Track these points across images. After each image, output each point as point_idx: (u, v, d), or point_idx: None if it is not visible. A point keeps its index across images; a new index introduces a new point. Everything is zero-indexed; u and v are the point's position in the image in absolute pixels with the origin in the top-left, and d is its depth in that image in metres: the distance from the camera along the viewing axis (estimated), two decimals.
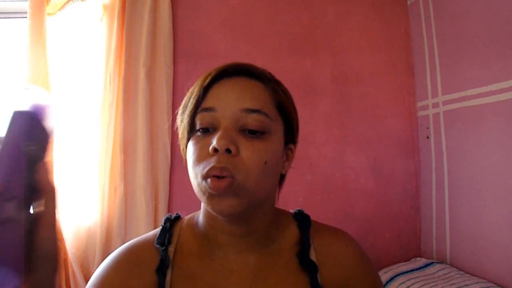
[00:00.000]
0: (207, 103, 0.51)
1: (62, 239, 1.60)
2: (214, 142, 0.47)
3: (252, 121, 0.50)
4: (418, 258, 1.78)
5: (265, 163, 0.49)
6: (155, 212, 1.67)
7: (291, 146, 0.58)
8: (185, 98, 0.56)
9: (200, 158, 0.49)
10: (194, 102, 0.52)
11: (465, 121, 1.62)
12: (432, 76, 1.84)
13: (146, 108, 1.67)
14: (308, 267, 0.55)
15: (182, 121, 0.55)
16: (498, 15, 1.44)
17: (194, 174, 0.50)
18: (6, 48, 1.85)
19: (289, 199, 1.82)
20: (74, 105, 1.66)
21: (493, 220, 1.47)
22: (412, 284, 1.47)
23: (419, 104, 1.96)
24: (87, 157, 1.64)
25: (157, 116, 1.71)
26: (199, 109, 0.51)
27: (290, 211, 0.64)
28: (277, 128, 0.53)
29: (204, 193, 0.49)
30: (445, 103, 1.75)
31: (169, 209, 1.73)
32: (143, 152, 1.66)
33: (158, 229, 0.59)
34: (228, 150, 0.47)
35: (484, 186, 1.52)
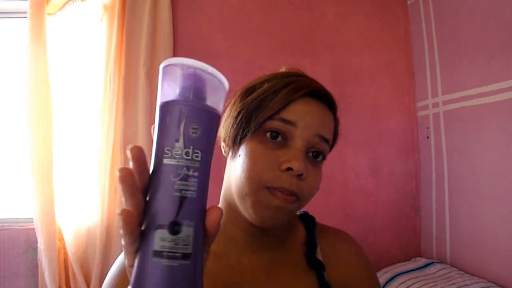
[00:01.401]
0: (289, 116, 0.50)
1: (62, 239, 1.60)
2: (292, 162, 0.48)
3: (322, 148, 0.52)
4: (418, 258, 1.78)
5: (318, 189, 0.53)
6: None
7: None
8: (258, 89, 0.53)
9: (267, 166, 0.49)
10: (275, 109, 0.50)
11: (465, 121, 1.62)
12: (432, 76, 1.84)
13: (146, 108, 1.67)
14: (316, 266, 0.56)
15: (249, 116, 0.51)
16: (498, 15, 1.44)
17: (254, 179, 0.49)
18: (6, 48, 1.85)
19: None
20: (74, 105, 1.66)
21: (493, 220, 1.47)
22: (412, 284, 1.47)
23: (419, 104, 1.96)
24: (87, 157, 1.64)
25: None
26: (277, 117, 0.50)
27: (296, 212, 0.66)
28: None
29: (258, 202, 0.49)
30: (445, 103, 1.75)
31: None
32: None
33: None
34: (300, 174, 0.48)
35: (484, 186, 1.52)
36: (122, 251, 0.58)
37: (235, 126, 0.53)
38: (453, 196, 1.71)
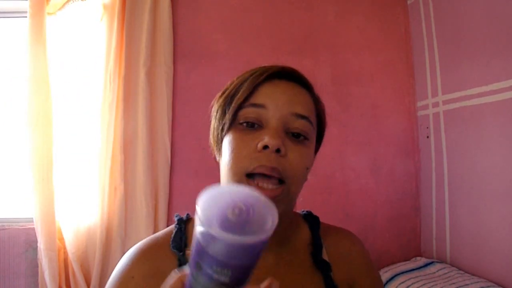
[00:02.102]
0: (257, 99, 0.51)
1: (62, 239, 1.60)
2: (265, 139, 0.47)
3: (299, 125, 0.51)
4: (418, 258, 1.78)
5: (307, 168, 0.52)
6: (155, 212, 1.67)
7: (317, 151, 0.61)
8: (228, 89, 0.54)
9: (244, 152, 0.48)
10: (244, 95, 0.51)
11: (465, 121, 1.62)
12: (432, 76, 1.84)
13: (146, 108, 1.67)
14: (322, 267, 0.56)
15: (223, 112, 0.53)
16: (498, 15, 1.44)
17: (235, 170, 0.48)
18: (6, 48, 1.84)
19: None
20: (74, 105, 1.66)
21: (493, 220, 1.47)
22: (412, 284, 1.47)
23: (419, 104, 1.96)
24: (87, 157, 1.64)
25: (157, 116, 1.71)
26: (247, 103, 0.51)
27: (299, 212, 0.65)
28: (314, 137, 0.56)
29: None
30: (445, 102, 1.75)
31: (169, 209, 1.72)
32: (143, 152, 1.66)
33: (168, 230, 0.58)
34: (278, 150, 0.47)
35: (484, 186, 1.52)
36: (122, 254, 0.58)
37: (215, 125, 0.55)
38: (453, 196, 1.71)
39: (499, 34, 1.43)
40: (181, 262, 0.53)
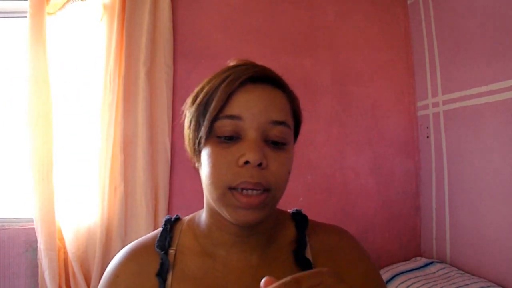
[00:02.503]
0: (232, 110, 0.49)
1: (62, 239, 1.60)
2: (246, 155, 0.47)
3: (278, 133, 0.50)
4: (418, 258, 1.78)
5: (288, 173, 0.52)
6: (155, 212, 1.67)
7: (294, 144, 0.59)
8: (200, 96, 0.52)
9: (225, 167, 0.48)
10: (218, 106, 0.49)
11: (465, 121, 1.62)
12: (432, 76, 1.84)
13: (146, 108, 1.67)
14: (303, 265, 0.55)
15: (197, 123, 0.52)
16: (498, 15, 1.44)
17: (217, 184, 0.48)
18: (6, 48, 1.84)
19: (289, 199, 1.81)
20: (74, 105, 1.66)
21: (493, 220, 1.47)
22: (412, 284, 1.47)
23: (419, 104, 1.96)
24: (87, 157, 1.64)
25: (157, 116, 1.71)
26: (222, 115, 0.49)
27: (289, 211, 0.65)
28: (292, 137, 0.54)
29: (228, 204, 0.49)
30: (445, 102, 1.75)
31: (169, 209, 1.73)
32: (143, 152, 1.66)
33: (158, 231, 0.59)
34: (259, 164, 0.47)
35: (484, 186, 1.52)
36: (119, 251, 0.59)
37: (191, 136, 0.53)
38: (453, 196, 1.71)
39: (499, 34, 1.43)
40: (163, 261, 0.54)
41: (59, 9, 1.65)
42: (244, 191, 0.47)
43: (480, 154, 1.54)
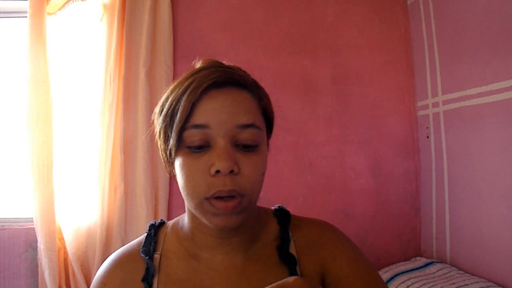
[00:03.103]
0: (198, 120, 0.48)
1: (62, 239, 1.60)
2: (216, 164, 0.46)
3: (247, 135, 0.49)
4: (418, 258, 1.78)
5: (263, 174, 0.51)
6: (155, 212, 1.67)
7: (269, 141, 0.59)
8: (166, 107, 0.51)
9: (198, 178, 0.48)
10: (183, 117, 0.48)
11: (465, 121, 1.62)
12: (432, 76, 1.84)
13: (146, 108, 1.67)
14: (287, 260, 0.55)
15: (165, 135, 0.52)
16: (497, 15, 1.44)
17: (193, 194, 0.49)
18: (6, 48, 1.84)
19: (289, 199, 1.82)
20: (74, 105, 1.66)
21: (493, 220, 1.47)
22: (412, 284, 1.47)
23: (419, 104, 1.96)
24: (87, 157, 1.64)
25: None
26: (188, 125, 0.48)
27: (272, 208, 0.65)
28: (264, 135, 0.54)
29: (205, 212, 0.49)
30: (445, 102, 1.75)
31: (169, 209, 1.73)
32: (143, 152, 1.66)
33: (143, 237, 0.60)
34: (231, 171, 0.47)
35: (484, 186, 1.52)
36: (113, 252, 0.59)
37: (162, 147, 0.54)
38: (453, 196, 1.71)
39: (499, 34, 1.43)
40: (148, 266, 0.55)
41: (59, 9, 1.65)
42: (221, 200, 0.47)
43: (480, 154, 1.54)
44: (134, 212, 1.66)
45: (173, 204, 1.74)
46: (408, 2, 2.03)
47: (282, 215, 0.62)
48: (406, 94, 1.99)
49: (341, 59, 1.95)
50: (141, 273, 0.54)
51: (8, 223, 1.67)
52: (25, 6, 1.58)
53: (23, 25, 1.63)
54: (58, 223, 1.61)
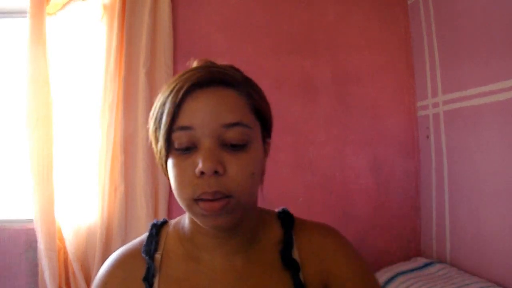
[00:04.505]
0: (183, 121, 0.48)
1: (62, 239, 1.61)
2: (200, 165, 0.46)
3: (233, 134, 0.48)
4: (418, 258, 1.77)
5: (253, 174, 0.50)
6: (155, 212, 1.67)
7: (268, 140, 0.58)
8: (155, 110, 0.52)
9: (185, 180, 0.48)
10: (168, 120, 0.48)
11: (465, 121, 1.62)
12: (432, 76, 1.84)
13: (146, 108, 1.67)
14: (290, 265, 0.55)
15: (155, 138, 0.52)
16: (498, 15, 1.44)
17: (182, 196, 0.49)
18: (6, 48, 1.85)
19: (289, 199, 1.82)
20: (74, 105, 1.66)
21: (493, 220, 1.47)
22: (412, 284, 1.47)
23: (419, 104, 1.96)
24: (87, 157, 1.64)
25: None
26: (175, 127, 0.48)
27: (275, 210, 0.64)
28: (256, 133, 0.52)
29: (195, 214, 0.50)
30: (445, 102, 1.75)
31: (169, 209, 1.73)
32: (143, 152, 1.66)
33: (145, 235, 0.60)
34: (215, 172, 0.46)
35: (484, 186, 1.52)
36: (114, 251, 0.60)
37: (155, 149, 0.54)
38: (453, 196, 1.71)
39: (499, 34, 1.43)
40: (149, 266, 0.55)
41: (59, 9, 1.65)
42: (207, 201, 0.47)
43: (480, 154, 1.54)
44: (134, 212, 1.66)
45: (173, 204, 1.74)
46: (408, 2, 2.03)
47: (285, 218, 0.61)
48: (406, 94, 1.99)
49: (341, 59, 1.95)
50: (142, 272, 0.54)
51: (8, 224, 1.68)
52: (25, 6, 1.58)
53: (23, 25, 1.63)
54: (58, 223, 1.61)
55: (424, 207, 1.92)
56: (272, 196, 1.73)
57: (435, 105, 1.82)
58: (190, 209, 0.49)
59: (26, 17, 1.57)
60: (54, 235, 1.54)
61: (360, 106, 1.94)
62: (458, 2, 1.65)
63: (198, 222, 0.51)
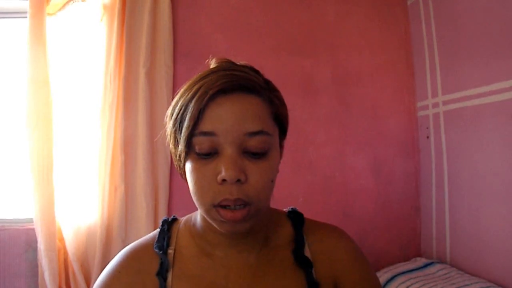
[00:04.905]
0: (206, 127, 0.48)
1: (62, 239, 1.60)
2: (222, 173, 0.46)
3: (255, 143, 0.48)
4: (418, 258, 1.78)
5: (272, 181, 0.51)
6: (155, 212, 1.67)
7: (283, 143, 0.59)
8: (175, 110, 0.52)
9: (206, 186, 0.48)
10: (191, 124, 0.48)
11: (465, 121, 1.62)
12: (432, 76, 1.84)
13: (146, 108, 1.68)
14: (303, 264, 0.56)
15: (175, 139, 0.52)
16: (497, 15, 1.44)
17: (202, 201, 0.49)
18: (6, 48, 1.85)
19: (289, 199, 1.82)
20: (74, 105, 1.66)
21: (493, 220, 1.47)
22: (412, 284, 1.47)
23: (419, 104, 1.96)
24: (87, 157, 1.64)
25: (157, 116, 1.71)
26: (197, 131, 0.48)
27: (284, 210, 0.65)
28: (275, 139, 0.53)
29: (214, 219, 0.50)
30: (445, 103, 1.75)
31: (169, 209, 1.73)
32: (143, 152, 1.66)
33: (156, 232, 0.60)
34: (237, 180, 0.47)
35: (484, 186, 1.52)
36: (119, 251, 0.59)
37: (172, 150, 0.54)
38: (453, 196, 1.71)
39: (499, 34, 1.43)
40: (163, 261, 0.55)
41: (59, 9, 1.65)
42: (227, 207, 0.47)
43: (480, 154, 1.54)
44: (134, 212, 1.66)
45: (173, 204, 1.74)
46: (408, 3, 2.03)
47: (295, 217, 0.62)
48: (406, 95, 1.99)
49: (341, 59, 1.95)
50: (155, 267, 0.55)
51: (8, 223, 1.67)
52: (25, 6, 1.58)
53: (23, 25, 1.63)
54: (58, 224, 1.61)
55: (424, 207, 1.92)
56: (272, 196, 1.74)
57: (435, 105, 1.82)
58: (209, 214, 0.50)
59: (26, 17, 1.57)
60: (54, 235, 1.54)
61: (360, 106, 1.94)
62: (458, 2, 1.65)
63: (215, 226, 0.51)
